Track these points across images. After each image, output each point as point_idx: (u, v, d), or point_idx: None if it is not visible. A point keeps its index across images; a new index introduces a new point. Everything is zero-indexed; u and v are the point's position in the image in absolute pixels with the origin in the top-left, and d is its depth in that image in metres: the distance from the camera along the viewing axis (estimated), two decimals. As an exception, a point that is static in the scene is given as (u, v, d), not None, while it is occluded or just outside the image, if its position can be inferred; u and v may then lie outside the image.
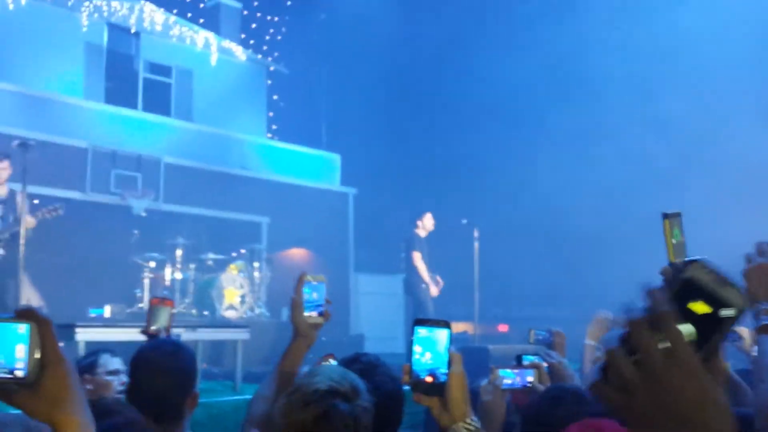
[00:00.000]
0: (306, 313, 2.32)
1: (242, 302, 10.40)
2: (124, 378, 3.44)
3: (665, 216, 2.00)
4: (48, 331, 1.03)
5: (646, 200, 12.17)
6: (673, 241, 1.98)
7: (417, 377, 1.58)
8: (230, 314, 10.18)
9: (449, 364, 1.57)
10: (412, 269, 9.47)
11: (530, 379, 2.67)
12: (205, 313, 10.27)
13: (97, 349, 3.36)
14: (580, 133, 14.14)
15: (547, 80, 14.86)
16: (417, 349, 1.59)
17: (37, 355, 1.02)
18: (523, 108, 14.90)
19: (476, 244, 9.58)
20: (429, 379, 1.57)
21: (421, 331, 1.60)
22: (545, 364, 2.93)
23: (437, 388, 1.57)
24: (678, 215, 2.02)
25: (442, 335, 1.59)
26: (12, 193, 7.29)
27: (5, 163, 7.20)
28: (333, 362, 2.55)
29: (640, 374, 0.79)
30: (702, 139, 12.36)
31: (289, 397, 1.71)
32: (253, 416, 2.23)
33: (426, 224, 9.54)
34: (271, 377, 2.34)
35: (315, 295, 2.36)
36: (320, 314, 2.37)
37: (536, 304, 14.38)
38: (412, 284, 9.46)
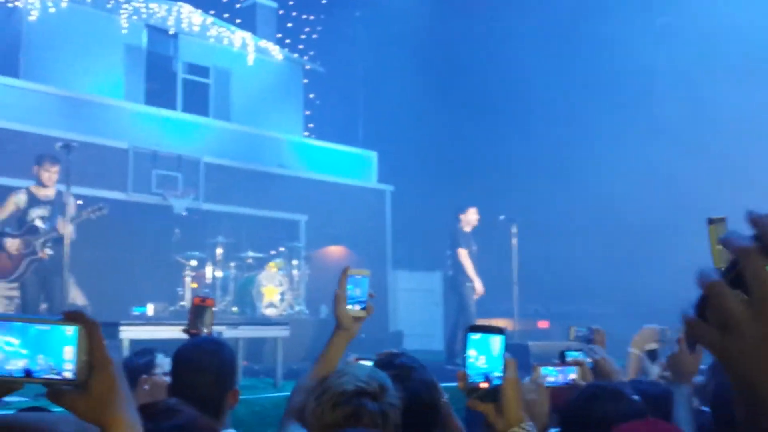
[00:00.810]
0: (348, 307, 2.35)
1: (281, 300, 10.49)
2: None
3: (710, 221, 1.99)
4: (96, 333, 1.04)
5: (692, 196, 12.02)
6: (719, 246, 1.95)
7: (472, 383, 1.59)
8: (270, 312, 10.28)
9: (504, 369, 1.58)
10: (457, 266, 9.29)
11: (573, 376, 2.64)
12: (246, 311, 10.37)
13: (148, 348, 3.41)
14: (621, 127, 13.97)
15: (589, 73, 14.68)
16: (471, 353, 1.60)
17: (85, 357, 1.03)
18: (563, 102, 14.76)
19: (514, 240, 9.50)
20: (484, 384, 1.59)
21: (475, 337, 1.61)
22: (589, 360, 2.91)
23: (492, 394, 1.58)
24: (723, 220, 2.01)
25: (496, 341, 1.60)
26: (59, 194, 7.44)
27: (56, 167, 7.35)
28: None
29: (747, 308, 0.72)
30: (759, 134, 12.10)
31: (318, 399, 1.73)
32: (293, 407, 2.26)
33: (470, 219, 9.40)
34: (312, 369, 2.37)
35: (358, 291, 2.38)
36: (363, 308, 2.39)
37: (576, 300, 14.24)
38: (457, 282, 9.30)
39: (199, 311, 2.95)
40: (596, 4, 14.46)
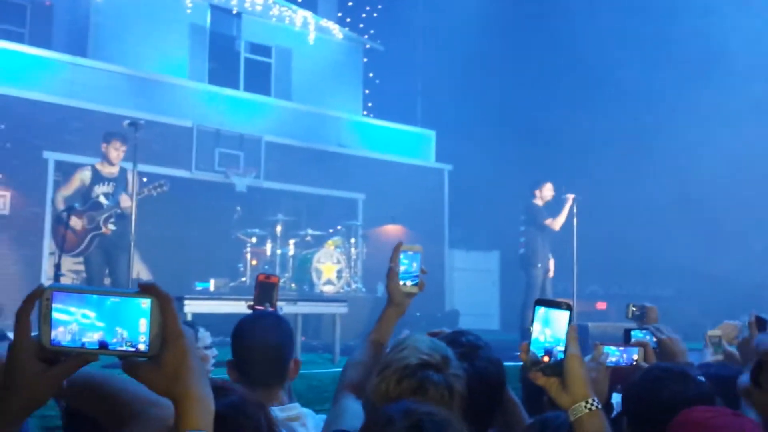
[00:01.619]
0: (401, 282, 2.36)
1: (339, 277, 10.62)
2: (216, 352, 3.60)
3: None
4: (169, 306, 1.05)
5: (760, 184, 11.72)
6: None
7: (534, 356, 1.59)
8: (328, 289, 10.42)
9: (567, 344, 1.57)
10: (529, 244, 9.26)
11: (635, 357, 2.60)
12: (304, 287, 10.54)
13: (188, 322, 3.50)
14: (690, 104, 13.63)
15: (658, 46, 14.31)
16: (536, 327, 1.60)
17: (158, 330, 1.04)
18: (626, 78, 14.45)
19: (575, 220, 9.37)
20: (546, 358, 1.58)
21: (541, 311, 1.60)
22: (654, 340, 2.87)
23: (554, 368, 1.58)
24: None
25: (562, 316, 1.58)
26: (123, 172, 7.64)
27: (124, 146, 7.54)
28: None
29: None
30: None
31: (381, 374, 1.72)
32: (348, 381, 2.29)
33: (545, 194, 9.31)
34: (365, 344, 2.41)
35: (412, 265, 2.39)
36: (415, 284, 2.40)
37: (637, 281, 14.04)
38: (527, 262, 9.24)
39: (264, 288, 2.99)
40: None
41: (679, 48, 14.03)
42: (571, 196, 9.31)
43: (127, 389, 1.24)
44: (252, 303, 3.00)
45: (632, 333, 2.92)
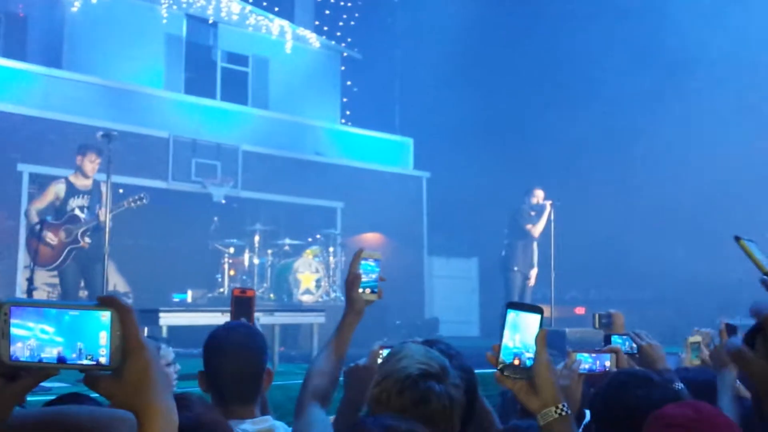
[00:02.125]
0: (360, 290, 2.37)
1: (318, 286, 10.60)
2: (179, 367, 3.57)
3: (737, 239, 2.00)
4: (129, 318, 1.03)
5: (745, 189, 11.84)
6: (757, 256, 1.98)
7: (503, 360, 1.57)
8: (306, 298, 10.40)
9: (536, 349, 1.56)
10: (509, 248, 9.38)
11: (608, 363, 2.61)
12: (282, 297, 10.50)
13: (150, 337, 3.44)
14: (665, 111, 13.77)
15: (633, 50, 14.42)
16: (506, 332, 1.58)
17: (119, 342, 1.02)
18: (603, 84, 14.56)
19: (552, 225, 9.44)
20: (516, 361, 1.56)
21: (512, 315, 1.58)
22: (634, 346, 2.89)
23: (523, 372, 1.56)
24: (750, 240, 2.03)
25: (533, 320, 1.57)
26: (97, 184, 7.58)
27: (93, 155, 7.49)
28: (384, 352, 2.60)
29: None
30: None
31: (381, 384, 1.70)
32: (313, 390, 2.28)
33: (535, 200, 9.43)
34: (326, 353, 2.40)
35: (370, 274, 2.40)
36: (374, 291, 2.40)
37: (615, 286, 14.14)
38: (505, 266, 9.37)
39: (240, 302, 2.95)
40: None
41: (659, 51, 14.17)
42: (549, 202, 9.40)
43: (85, 415, 1.21)
44: (229, 319, 2.97)
45: (612, 338, 2.94)
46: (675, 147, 13.64)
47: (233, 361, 2.42)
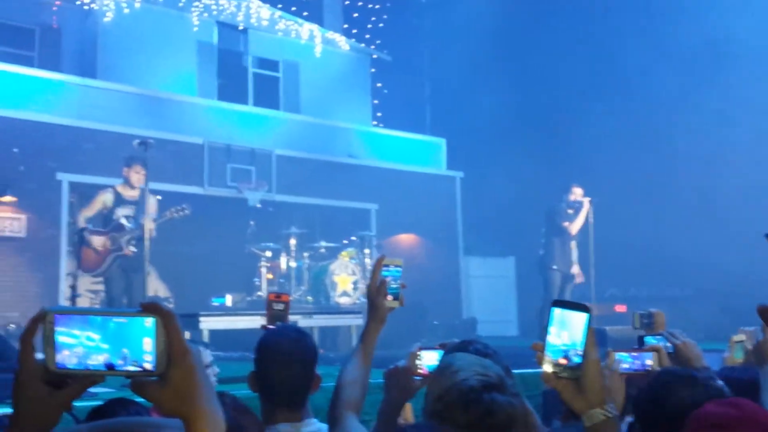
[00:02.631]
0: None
1: (354, 288, 10.60)
2: (217, 369, 3.58)
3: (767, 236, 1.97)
4: (173, 324, 1.03)
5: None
6: None
7: (549, 358, 1.53)
8: (344, 300, 10.41)
9: (586, 348, 1.50)
10: (547, 247, 9.32)
11: (649, 362, 2.56)
12: (320, 300, 10.52)
13: (190, 340, 3.43)
14: (705, 105, 13.54)
15: (670, 43, 14.22)
16: (552, 330, 1.54)
17: (163, 348, 1.03)
18: (642, 78, 14.38)
19: (591, 223, 9.35)
20: (562, 360, 1.52)
21: (558, 312, 1.54)
22: (669, 345, 2.84)
23: (572, 372, 1.51)
24: None
25: (580, 319, 1.52)
26: (143, 194, 7.73)
27: (139, 167, 7.64)
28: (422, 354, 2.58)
29: None
30: None
31: (442, 400, 1.66)
32: (347, 400, 2.29)
33: (573, 198, 9.36)
34: (354, 362, 2.41)
35: (393, 281, 2.39)
36: (396, 298, 2.40)
37: (655, 283, 13.94)
38: (543, 264, 9.33)
39: (274, 307, 2.97)
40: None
41: (698, 44, 13.92)
42: (587, 200, 9.31)
43: (135, 423, 1.22)
44: (265, 324, 2.96)
45: (645, 339, 2.89)
46: (715, 141, 13.41)
47: (283, 367, 2.43)
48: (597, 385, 1.51)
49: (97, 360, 1.03)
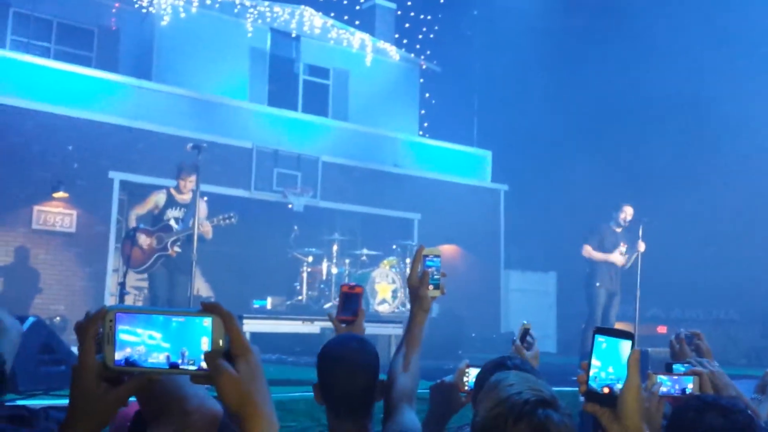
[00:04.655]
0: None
1: (394, 297, 10.64)
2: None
3: None
4: (233, 324, 1.05)
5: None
6: None
7: (592, 389, 1.54)
8: (383, 309, 10.45)
9: (628, 372, 1.51)
10: (590, 264, 9.29)
11: (690, 386, 2.54)
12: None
13: None
14: (753, 125, 13.32)
15: (715, 69, 14.03)
16: (595, 363, 1.54)
17: (220, 347, 1.04)
18: (692, 98, 14.20)
19: (639, 241, 9.26)
20: (606, 390, 1.53)
21: (602, 342, 1.54)
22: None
23: (611, 399, 1.52)
24: None
25: (625, 347, 1.52)
26: (194, 198, 7.90)
27: (193, 177, 7.81)
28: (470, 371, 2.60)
29: None
30: None
31: (493, 411, 1.61)
32: (401, 391, 2.34)
33: (622, 216, 9.30)
34: (403, 352, 2.46)
35: (433, 272, 2.43)
36: (437, 287, 2.43)
37: (698, 305, 13.72)
38: (586, 281, 9.30)
39: (348, 298, 2.86)
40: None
41: (758, 68, 13.71)
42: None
43: (181, 389, 1.22)
44: (336, 314, 2.88)
45: (674, 367, 2.86)
46: (762, 164, 13.16)
47: (345, 376, 2.39)
48: (635, 412, 1.50)
49: (158, 358, 1.06)
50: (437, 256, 2.46)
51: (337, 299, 2.97)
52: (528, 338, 3.03)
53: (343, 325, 2.84)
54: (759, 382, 3.16)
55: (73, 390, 1.13)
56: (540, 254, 15.37)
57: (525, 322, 2.88)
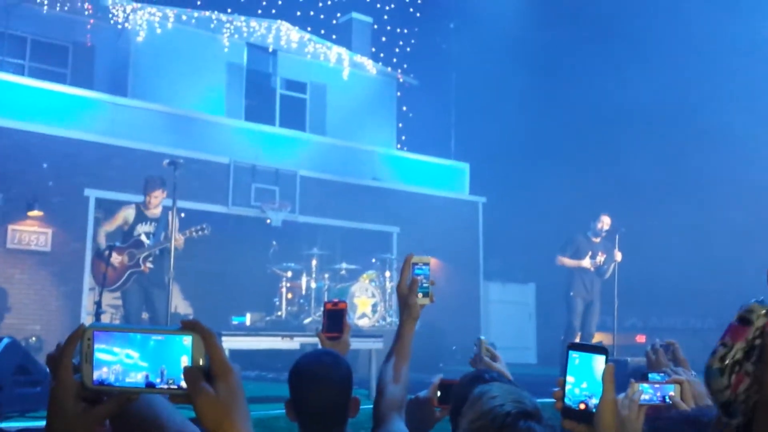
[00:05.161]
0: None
1: (374, 311, 10.62)
2: None
3: None
4: (213, 342, 1.02)
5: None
6: None
7: (568, 406, 1.53)
8: (363, 323, 10.43)
9: (603, 387, 1.51)
10: (567, 274, 9.38)
11: (672, 394, 2.51)
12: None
13: None
14: (726, 135, 13.50)
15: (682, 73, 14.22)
16: (569, 379, 1.54)
17: (200, 366, 1.02)
18: (654, 106, 14.37)
19: (616, 251, 9.34)
20: (582, 406, 1.53)
21: (575, 357, 1.54)
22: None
23: (587, 415, 1.52)
24: None
25: (599, 362, 1.52)
26: (165, 211, 7.81)
27: (158, 192, 7.74)
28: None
29: None
30: None
31: (476, 423, 1.63)
32: (391, 399, 2.34)
33: (599, 226, 9.38)
34: (393, 361, 2.43)
35: (423, 280, 2.43)
36: (426, 295, 2.43)
37: (676, 313, 13.84)
38: (566, 288, 9.39)
39: (332, 315, 2.85)
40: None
41: (724, 71, 13.90)
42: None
43: (165, 411, 1.21)
44: (321, 331, 2.85)
45: (650, 376, 2.85)
46: (741, 173, 13.33)
47: (317, 392, 2.37)
48: (611, 427, 1.50)
49: (136, 378, 1.03)
50: (426, 264, 2.46)
51: (317, 314, 2.95)
52: (488, 351, 3.00)
53: (329, 342, 2.81)
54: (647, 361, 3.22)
55: (50, 410, 1.10)
56: (519, 266, 15.44)
57: (482, 338, 2.86)
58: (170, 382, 1.03)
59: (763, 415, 1.04)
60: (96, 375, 1.04)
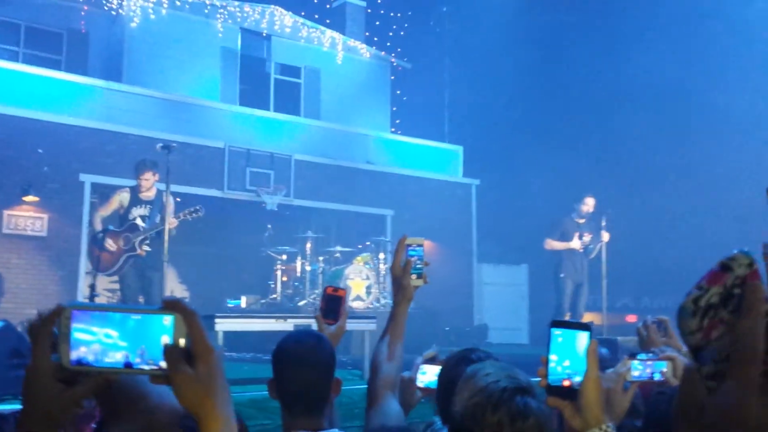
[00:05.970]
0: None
1: (368, 293, 10.74)
2: None
3: None
4: (195, 322, 1.00)
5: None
6: None
7: (553, 382, 1.53)
8: (357, 305, 10.54)
9: (587, 365, 1.50)
10: (556, 256, 9.49)
11: (664, 371, 2.49)
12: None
13: None
14: (721, 115, 13.58)
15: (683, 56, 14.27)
16: (553, 357, 1.53)
17: (181, 347, 1.00)
18: (658, 93, 14.42)
19: (603, 232, 9.45)
20: (566, 383, 1.52)
21: (558, 333, 1.53)
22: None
23: (572, 392, 1.51)
24: None
25: (582, 339, 1.51)
26: (159, 194, 7.88)
27: (148, 174, 7.79)
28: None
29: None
30: None
31: (473, 399, 1.64)
32: (384, 378, 2.41)
33: (585, 209, 9.48)
34: (386, 340, 2.51)
35: (416, 261, 2.47)
36: (420, 276, 2.48)
37: (668, 293, 13.95)
38: (555, 270, 9.51)
39: (331, 300, 2.88)
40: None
41: (712, 55, 13.96)
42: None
43: (143, 386, 1.23)
44: (320, 314, 2.90)
45: (638, 356, 2.88)
46: (730, 154, 13.43)
47: (299, 372, 2.38)
48: (595, 404, 1.51)
49: (114, 357, 1.00)
50: (420, 245, 2.49)
51: (312, 296, 3.03)
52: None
53: (326, 325, 2.87)
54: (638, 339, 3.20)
55: (26, 391, 1.08)
56: (512, 247, 15.55)
57: (432, 351, 2.82)
58: (150, 362, 1.00)
59: (737, 369, 1.04)
60: (74, 355, 1.01)
